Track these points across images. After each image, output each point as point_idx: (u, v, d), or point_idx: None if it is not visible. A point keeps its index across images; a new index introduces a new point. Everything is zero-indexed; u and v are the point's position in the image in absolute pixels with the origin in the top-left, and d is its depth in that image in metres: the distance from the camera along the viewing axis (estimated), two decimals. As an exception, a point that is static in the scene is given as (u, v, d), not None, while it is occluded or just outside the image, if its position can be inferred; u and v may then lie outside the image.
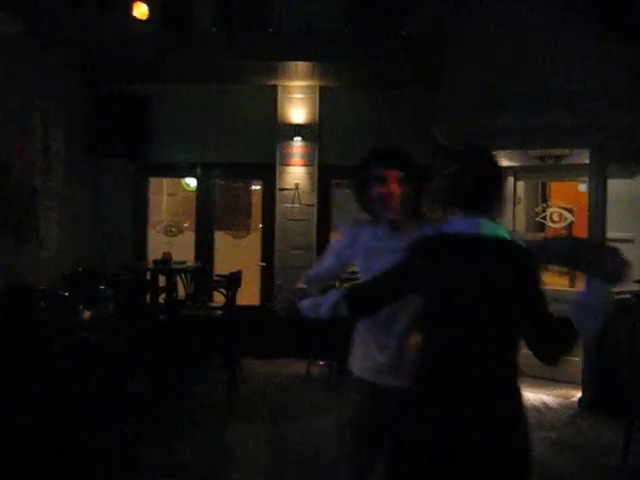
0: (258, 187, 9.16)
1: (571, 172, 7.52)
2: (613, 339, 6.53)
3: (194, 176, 8.98)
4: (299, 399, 6.87)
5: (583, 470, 5.08)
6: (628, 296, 6.49)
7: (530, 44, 6.77)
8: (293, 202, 8.71)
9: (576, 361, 7.29)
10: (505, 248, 2.42)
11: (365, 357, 3.06)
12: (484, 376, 2.35)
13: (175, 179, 10.54)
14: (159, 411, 5.91)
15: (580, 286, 8.66)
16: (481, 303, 2.34)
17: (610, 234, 6.80)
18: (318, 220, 8.79)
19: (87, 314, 4.46)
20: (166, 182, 11.31)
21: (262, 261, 8.83)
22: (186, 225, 12.11)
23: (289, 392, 7.14)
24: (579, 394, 6.86)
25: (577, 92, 6.57)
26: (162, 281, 7.73)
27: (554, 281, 9.22)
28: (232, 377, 6.68)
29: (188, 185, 12.07)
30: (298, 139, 8.64)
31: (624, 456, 5.15)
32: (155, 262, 7.20)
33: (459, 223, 2.45)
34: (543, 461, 5.24)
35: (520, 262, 2.38)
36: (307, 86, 8.61)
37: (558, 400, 6.91)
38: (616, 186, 6.88)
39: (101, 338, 4.20)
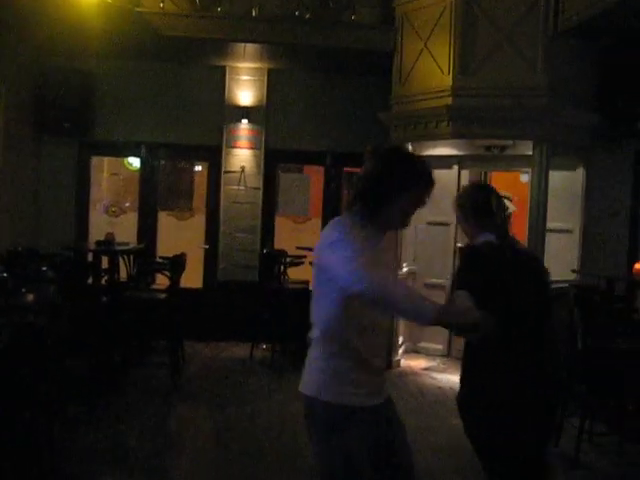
0: (204, 169, 9.03)
1: (514, 163, 7.68)
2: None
3: (138, 156, 8.80)
4: (243, 383, 6.87)
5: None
6: (566, 285, 6.72)
7: (480, 38, 6.86)
8: (239, 185, 8.64)
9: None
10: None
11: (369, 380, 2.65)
12: None
13: (117, 158, 10.31)
14: (102, 395, 5.85)
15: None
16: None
17: (550, 224, 6.98)
18: (263, 204, 8.76)
19: (30, 297, 4.34)
20: (108, 161, 11.07)
21: (206, 243, 8.75)
22: (127, 205, 11.91)
23: (233, 375, 7.13)
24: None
25: (524, 86, 6.70)
26: (104, 262, 7.58)
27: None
28: (175, 360, 6.63)
29: (131, 165, 11.86)
30: (245, 122, 8.55)
31: (556, 440, 5.33)
32: (98, 243, 7.05)
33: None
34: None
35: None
36: (255, 68, 8.53)
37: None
38: (557, 178, 7.07)
39: (45, 321, 4.10)
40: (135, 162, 11.44)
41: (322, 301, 2.57)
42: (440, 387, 6.96)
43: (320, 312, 2.59)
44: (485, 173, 8.27)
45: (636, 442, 5.26)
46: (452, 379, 7.21)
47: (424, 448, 5.21)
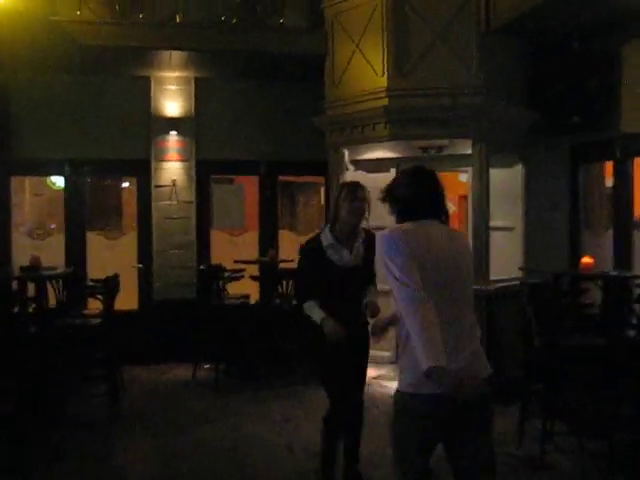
0: (132, 184, 8.63)
1: (453, 163, 7.58)
2: (498, 326, 6.67)
3: (62, 174, 8.33)
4: (187, 407, 6.52)
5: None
6: (517, 282, 6.66)
7: (413, 37, 6.74)
8: (170, 199, 8.29)
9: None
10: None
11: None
12: None
13: (39, 178, 9.79)
14: (33, 434, 5.40)
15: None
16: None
17: (492, 223, 6.91)
18: (197, 217, 8.43)
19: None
20: (29, 181, 10.53)
21: (139, 263, 8.35)
22: (53, 227, 11.35)
23: (175, 400, 6.77)
24: (467, 382, 6.93)
25: (459, 85, 6.61)
26: (30, 289, 7.10)
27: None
28: (114, 389, 6.23)
29: (54, 184, 11.31)
30: (174, 133, 8.22)
31: (519, 442, 5.21)
32: (22, 268, 6.58)
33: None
34: (441, 452, 5.21)
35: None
36: (182, 77, 8.20)
37: (449, 390, 6.94)
38: (496, 176, 7.00)
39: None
40: (59, 181, 10.91)
41: None
42: (392, 396, 6.73)
43: None
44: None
45: (596, 440, 5.18)
46: (403, 386, 7.03)
47: (384, 463, 4.98)
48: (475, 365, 2.91)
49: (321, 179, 10.24)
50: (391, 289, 2.80)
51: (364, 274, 4.17)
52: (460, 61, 6.66)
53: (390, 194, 3.09)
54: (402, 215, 3.01)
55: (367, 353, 4.47)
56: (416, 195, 3.00)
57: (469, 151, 6.90)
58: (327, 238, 4.15)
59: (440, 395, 2.68)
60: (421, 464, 2.92)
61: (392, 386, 6.96)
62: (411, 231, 2.89)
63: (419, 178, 3.08)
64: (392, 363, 7.93)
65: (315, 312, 4.02)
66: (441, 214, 3.03)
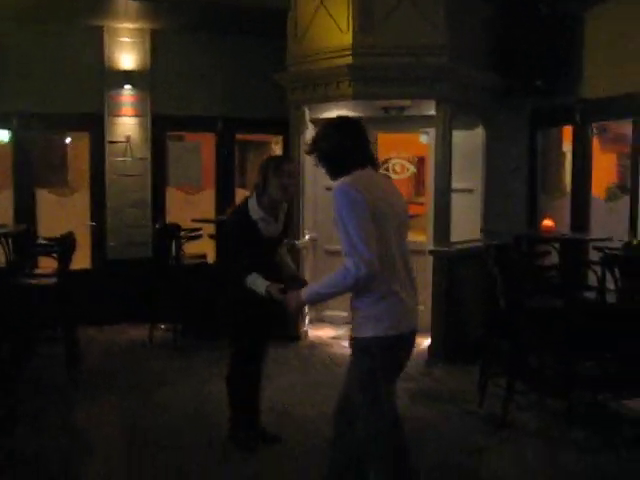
0: (85, 139, 8.30)
1: (414, 124, 7.54)
2: (459, 287, 6.74)
3: (9, 128, 7.95)
4: (146, 368, 6.43)
5: (445, 419, 5.17)
6: (477, 245, 6.72)
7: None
8: (125, 156, 8.04)
9: (421, 309, 7.47)
10: None
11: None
12: None
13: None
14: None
15: (412, 238, 8.88)
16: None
17: (453, 185, 6.93)
18: (152, 175, 8.21)
19: None
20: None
21: (92, 221, 8.11)
22: (-5, 183, 10.90)
23: (134, 361, 6.67)
24: (426, 342, 7.01)
25: (424, 45, 6.54)
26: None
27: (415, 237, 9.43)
28: (72, 350, 6.07)
29: (-2, 138, 10.84)
30: (128, 87, 7.93)
31: (480, 401, 5.31)
32: (-30, 227, 6.31)
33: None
34: (406, 412, 5.27)
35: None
36: (137, 29, 7.88)
37: (408, 349, 7.01)
38: (457, 137, 6.99)
39: None
40: (3, 135, 10.45)
41: None
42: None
43: None
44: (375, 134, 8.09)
45: (555, 398, 5.31)
46: (363, 347, 7.08)
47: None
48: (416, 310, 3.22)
49: (271, 137, 10.16)
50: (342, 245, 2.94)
51: (282, 240, 4.45)
52: (426, 21, 6.56)
53: (320, 146, 3.14)
54: (338, 166, 3.09)
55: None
56: (353, 145, 3.07)
57: (431, 112, 6.86)
58: (256, 211, 4.19)
59: (408, 333, 3.12)
60: (394, 401, 3.20)
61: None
62: (363, 180, 3.00)
63: (351, 128, 3.14)
64: (349, 323, 7.96)
65: (259, 283, 3.99)
66: (374, 163, 3.16)
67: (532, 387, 5.44)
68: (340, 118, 3.26)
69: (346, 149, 3.06)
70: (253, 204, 4.22)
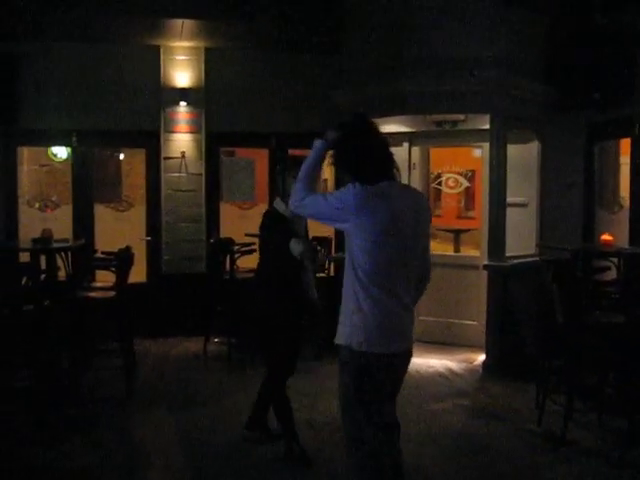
0: (141, 156, 8.48)
1: (467, 138, 7.50)
2: (514, 302, 6.65)
3: (69, 145, 8.18)
4: (201, 381, 6.49)
5: (503, 436, 5.08)
6: (531, 259, 6.63)
7: (433, 10, 6.61)
8: (180, 172, 8.18)
9: (474, 325, 7.41)
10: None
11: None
12: None
13: (39, 150, 9.61)
14: (52, 406, 5.35)
15: (465, 252, 8.83)
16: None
17: (507, 199, 6.85)
18: (206, 190, 8.33)
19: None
20: (27, 152, 10.34)
21: (148, 235, 8.26)
22: (53, 199, 11.20)
23: (188, 374, 6.73)
24: (480, 358, 6.94)
25: (478, 58, 6.51)
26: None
27: (441, 247, 9.37)
28: (129, 363, 6.17)
29: (55, 155, 11.14)
30: (183, 104, 8.09)
31: (538, 419, 5.21)
32: (35, 241, 6.47)
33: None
34: (462, 429, 5.23)
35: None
36: (192, 47, 8.05)
37: (462, 365, 6.95)
38: (511, 151, 6.92)
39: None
40: (61, 152, 10.73)
41: None
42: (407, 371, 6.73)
43: None
44: (428, 149, 8.06)
45: (615, 416, 5.18)
46: (416, 362, 6.97)
47: (403, 438, 4.95)
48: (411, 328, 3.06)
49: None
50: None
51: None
52: (479, 34, 6.56)
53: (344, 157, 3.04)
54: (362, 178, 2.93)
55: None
56: (375, 156, 2.98)
57: (485, 126, 6.83)
58: (286, 211, 4.32)
59: (390, 354, 2.98)
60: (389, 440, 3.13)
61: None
62: (378, 195, 2.89)
63: (370, 138, 3.01)
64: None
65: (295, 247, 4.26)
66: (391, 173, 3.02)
67: (591, 405, 5.33)
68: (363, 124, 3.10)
69: (377, 159, 3.00)
70: (279, 204, 4.48)
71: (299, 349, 4.69)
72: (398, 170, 3.05)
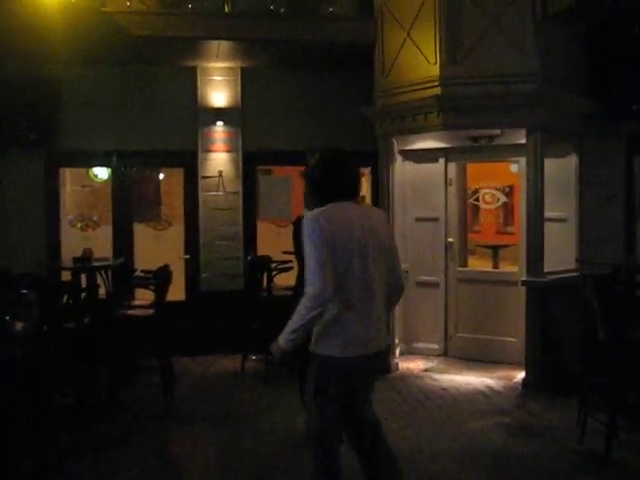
0: (179, 175, 8.61)
1: (503, 152, 7.44)
2: (554, 318, 6.55)
3: (109, 165, 8.34)
4: (239, 398, 6.51)
5: (545, 455, 4.98)
6: (571, 274, 6.53)
7: (466, 24, 6.61)
8: (217, 190, 8.27)
9: (513, 341, 7.31)
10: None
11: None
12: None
13: (79, 170, 9.82)
14: (92, 423, 5.42)
15: (503, 268, 8.73)
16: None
17: (545, 214, 6.77)
18: (244, 208, 8.39)
19: (18, 326, 3.91)
20: (70, 173, 10.56)
21: (186, 254, 8.35)
22: (94, 219, 11.41)
23: (227, 391, 6.76)
24: (520, 375, 6.84)
25: (514, 72, 6.48)
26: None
27: (479, 263, 9.29)
28: (167, 380, 6.22)
29: (96, 176, 11.36)
30: (220, 124, 8.19)
31: (580, 437, 5.11)
32: (75, 260, 6.60)
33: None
34: (503, 447, 5.15)
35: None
36: (228, 68, 8.16)
37: (501, 382, 6.86)
38: (549, 166, 6.84)
39: (32, 352, 3.70)
40: (101, 173, 10.95)
41: None
42: (445, 389, 6.69)
43: None
44: (464, 165, 8.01)
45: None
46: (455, 379, 6.97)
47: (443, 456, 4.94)
48: (379, 335, 3.37)
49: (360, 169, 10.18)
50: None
51: None
52: (515, 48, 6.51)
53: (308, 176, 3.46)
54: (319, 197, 3.36)
55: None
56: (331, 177, 3.35)
57: (521, 140, 6.77)
58: None
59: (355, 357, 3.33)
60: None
61: (442, 378, 6.94)
62: (331, 212, 3.26)
63: (334, 161, 3.41)
64: (440, 355, 7.86)
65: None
66: (355, 195, 3.41)
67: (635, 424, 5.21)
68: (333, 150, 3.52)
69: (327, 184, 3.35)
70: (307, 213, 4.59)
71: None
72: (357, 191, 3.45)
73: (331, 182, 3.35)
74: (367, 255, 3.28)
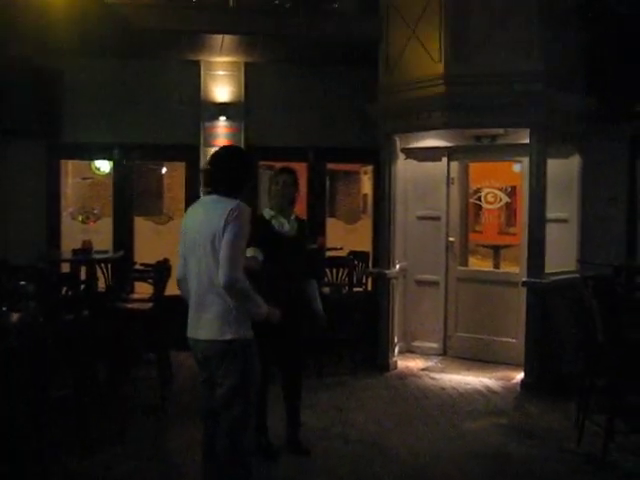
0: (180, 169, 8.59)
1: (506, 152, 7.41)
2: (554, 319, 6.53)
3: (111, 158, 8.33)
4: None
5: (542, 456, 4.96)
6: (572, 275, 6.51)
7: (472, 23, 6.58)
8: (218, 185, 8.23)
9: (513, 342, 7.29)
10: None
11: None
12: None
13: (82, 163, 9.82)
14: (90, 415, 5.40)
15: (504, 268, 8.71)
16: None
17: (547, 214, 6.74)
18: (247, 203, 8.35)
19: (14, 317, 3.89)
20: (72, 165, 10.56)
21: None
22: (95, 211, 11.42)
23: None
24: (519, 376, 6.82)
25: (519, 72, 6.45)
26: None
27: (481, 263, 9.27)
28: (166, 374, 6.20)
29: (98, 169, 11.37)
30: (223, 119, 8.18)
31: (578, 440, 5.09)
32: (75, 252, 6.59)
33: None
34: (500, 448, 5.13)
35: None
36: (231, 62, 8.14)
37: (500, 383, 6.83)
38: (551, 166, 6.82)
39: (29, 344, 3.68)
40: (103, 166, 10.94)
41: None
42: (443, 388, 6.66)
43: None
44: (467, 164, 7.99)
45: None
46: (454, 379, 6.95)
47: (440, 457, 4.91)
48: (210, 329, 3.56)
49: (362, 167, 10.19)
50: None
51: (300, 240, 4.86)
52: (519, 48, 6.48)
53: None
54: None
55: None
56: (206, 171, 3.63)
57: (525, 140, 6.73)
58: (268, 212, 4.79)
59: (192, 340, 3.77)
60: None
61: (441, 378, 6.92)
62: (192, 206, 3.66)
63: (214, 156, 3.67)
64: (439, 355, 7.84)
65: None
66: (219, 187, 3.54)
67: (634, 427, 5.18)
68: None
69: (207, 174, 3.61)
70: (266, 208, 4.87)
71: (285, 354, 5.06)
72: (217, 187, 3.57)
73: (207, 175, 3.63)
74: (203, 248, 3.47)
